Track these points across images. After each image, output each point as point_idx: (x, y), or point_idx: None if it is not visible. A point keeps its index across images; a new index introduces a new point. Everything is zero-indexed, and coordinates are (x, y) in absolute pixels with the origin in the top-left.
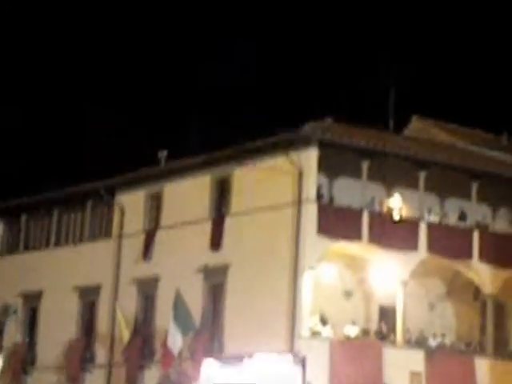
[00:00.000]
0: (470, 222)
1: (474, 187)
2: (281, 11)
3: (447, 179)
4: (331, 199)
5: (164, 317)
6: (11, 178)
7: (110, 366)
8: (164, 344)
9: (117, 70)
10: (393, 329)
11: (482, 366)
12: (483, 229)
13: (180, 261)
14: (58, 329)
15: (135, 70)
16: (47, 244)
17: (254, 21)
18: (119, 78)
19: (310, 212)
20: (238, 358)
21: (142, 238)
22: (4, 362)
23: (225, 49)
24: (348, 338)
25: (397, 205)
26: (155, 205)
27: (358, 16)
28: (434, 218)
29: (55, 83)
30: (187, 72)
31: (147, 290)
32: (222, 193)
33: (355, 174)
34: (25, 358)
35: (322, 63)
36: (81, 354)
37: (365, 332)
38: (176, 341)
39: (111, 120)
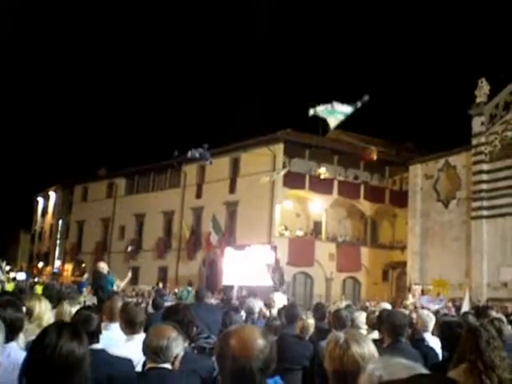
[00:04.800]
0: (359, 180)
1: (362, 163)
2: None
3: (348, 159)
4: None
5: (206, 227)
6: (130, 154)
7: (179, 250)
8: (207, 239)
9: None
10: (320, 232)
11: (364, 251)
12: (366, 183)
13: (214, 199)
14: (153, 231)
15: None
16: (147, 191)
17: None
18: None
19: (279, 175)
20: (243, 247)
21: (195, 188)
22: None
23: None
24: (298, 237)
25: (323, 171)
26: (201, 171)
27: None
28: (341, 178)
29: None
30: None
31: (198, 213)
32: (235, 166)
33: (302, 156)
34: (137, 245)
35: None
36: (164, 243)
37: (306, 234)
38: (213, 238)
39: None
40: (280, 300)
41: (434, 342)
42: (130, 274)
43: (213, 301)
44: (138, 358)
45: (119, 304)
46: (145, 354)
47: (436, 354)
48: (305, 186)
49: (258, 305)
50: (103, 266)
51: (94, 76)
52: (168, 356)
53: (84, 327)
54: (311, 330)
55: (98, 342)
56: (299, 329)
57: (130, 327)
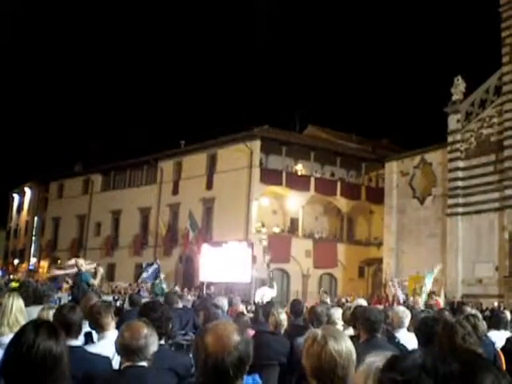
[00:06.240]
0: (336, 177)
1: (338, 160)
2: None
3: (324, 156)
4: (266, 165)
5: (183, 224)
6: (106, 150)
7: (155, 246)
8: (184, 236)
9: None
10: (297, 229)
11: (341, 248)
12: (342, 181)
13: (191, 195)
14: (129, 228)
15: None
16: (123, 187)
17: None
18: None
19: (256, 171)
20: (220, 243)
21: (171, 184)
22: (101, 244)
23: None
24: (275, 233)
25: (299, 168)
26: (178, 167)
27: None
28: (317, 175)
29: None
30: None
31: (174, 209)
32: (212, 162)
33: (279, 153)
34: (113, 242)
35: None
36: (141, 241)
37: (283, 230)
38: (190, 234)
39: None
40: (268, 294)
41: (411, 338)
42: (101, 270)
43: (189, 297)
44: (111, 356)
45: (93, 302)
46: (119, 352)
47: (408, 351)
48: (282, 183)
49: (224, 302)
50: (82, 263)
51: (70, 72)
52: (145, 354)
53: (67, 317)
54: (284, 324)
55: (76, 338)
56: (272, 324)
57: (98, 327)
